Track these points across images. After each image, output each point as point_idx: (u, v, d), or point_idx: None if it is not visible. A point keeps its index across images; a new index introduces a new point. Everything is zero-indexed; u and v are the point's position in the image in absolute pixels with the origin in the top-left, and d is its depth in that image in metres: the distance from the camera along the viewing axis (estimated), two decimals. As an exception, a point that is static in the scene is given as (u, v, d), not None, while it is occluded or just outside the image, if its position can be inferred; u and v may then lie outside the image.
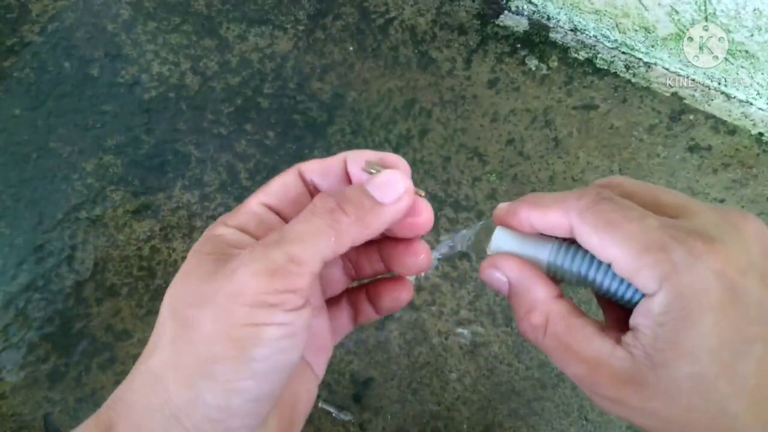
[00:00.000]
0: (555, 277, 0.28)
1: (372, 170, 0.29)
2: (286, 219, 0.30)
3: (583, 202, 0.25)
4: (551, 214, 0.27)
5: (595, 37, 0.99)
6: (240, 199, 0.89)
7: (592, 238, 0.25)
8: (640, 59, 0.97)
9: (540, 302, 0.27)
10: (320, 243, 0.26)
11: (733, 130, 0.90)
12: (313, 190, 0.31)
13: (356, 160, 0.30)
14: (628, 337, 0.24)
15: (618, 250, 0.24)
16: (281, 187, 0.30)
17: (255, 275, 0.25)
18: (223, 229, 0.28)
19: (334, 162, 0.31)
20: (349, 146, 0.92)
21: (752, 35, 0.82)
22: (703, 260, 0.22)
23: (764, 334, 0.22)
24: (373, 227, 0.27)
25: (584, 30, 0.99)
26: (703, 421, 0.23)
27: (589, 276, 0.26)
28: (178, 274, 0.28)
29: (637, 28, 0.92)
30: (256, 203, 0.30)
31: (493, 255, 0.29)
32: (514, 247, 0.28)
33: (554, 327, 0.27)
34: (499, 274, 0.29)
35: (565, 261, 0.27)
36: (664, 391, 0.23)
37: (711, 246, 0.22)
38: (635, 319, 0.24)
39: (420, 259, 0.32)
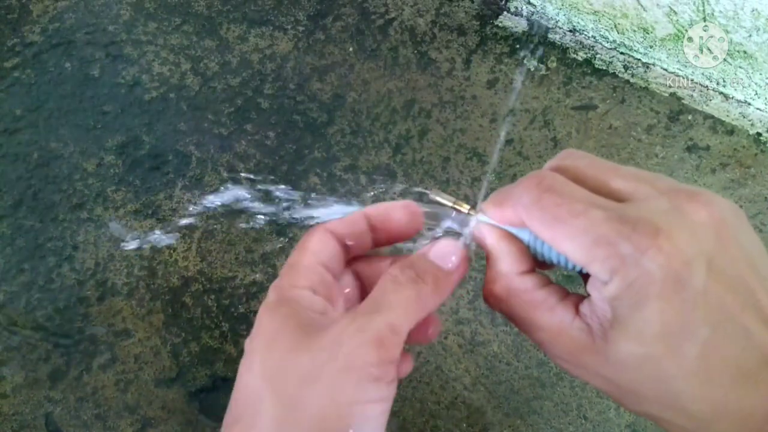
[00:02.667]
0: (536, 257, 0.29)
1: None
2: (332, 274, 0.31)
3: (526, 197, 0.26)
4: (507, 213, 0.28)
5: (594, 37, 0.99)
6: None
7: (543, 234, 0.26)
8: (639, 60, 0.97)
9: (503, 275, 0.28)
10: (411, 311, 0.27)
11: (731, 130, 0.91)
12: (342, 247, 0.32)
13: (376, 212, 0.31)
14: (585, 307, 0.26)
15: (568, 245, 0.25)
16: (323, 245, 0.31)
17: (363, 346, 0.25)
18: (297, 291, 0.28)
19: (357, 217, 0.32)
20: (349, 146, 0.92)
21: (750, 36, 0.83)
22: (648, 255, 0.23)
23: (709, 319, 0.23)
24: (445, 293, 0.29)
25: (583, 30, 0.99)
26: (651, 395, 0.25)
27: (555, 260, 0.28)
28: (261, 337, 0.27)
29: (636, 29, 0.93)
30: (315, 263, 0.30)
31: (480, 223, 0.30)
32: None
33: (516, 300, 0.28)
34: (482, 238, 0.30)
35: (543, 247, 0.28)
36: (616, 364, 0.24)
37: (655, 239, 0.23)
38: (591, 290, 0.25)
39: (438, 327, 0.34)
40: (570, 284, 0.81)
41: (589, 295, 0.26)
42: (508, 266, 0.28)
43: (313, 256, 0.30)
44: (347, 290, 0.32)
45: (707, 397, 0.23)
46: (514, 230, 0.29)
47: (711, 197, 0.24)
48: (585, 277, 0.27)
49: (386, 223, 0.31)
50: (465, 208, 0.31)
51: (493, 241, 0.29)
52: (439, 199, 0.31)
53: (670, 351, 0.23)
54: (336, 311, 0.29)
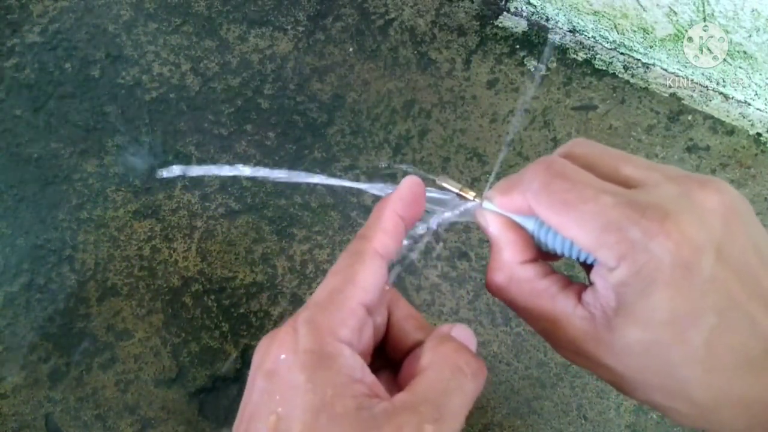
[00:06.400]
0: (540, 246, 0.29)
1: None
2: (370, 313, 0.28)
3: (536, 183, 0.26)
4: (514, 199, 0.27)
5: (594, 38, 0.99)
6: (240, 200, 0.90)
7: (552, 220, 0.26)
8: (639, 60, 0.97)
9: (505, 264, 0.28)
10: (464, 414, 0.25)
11: (731, 131, 0.91)
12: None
13: (408, 210, 0.29)
14: (588, 296, 0.25)
15: (577, 231, 0.25)
16: (375, 278, 0.27)
17: None
18: (336, 346, 0.25)
19: (397, 223, 0.29)
20: (349, 147, 0.92)
21: (750, 36, 0.83)
22: (657, 241, 0.22)
23: (716, 306, 0.23)
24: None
25: (583, 31, 0.99)
26: (655, 383, 0.24)
27: (560, 249, 0.28)
28: (299, 403, 0.23)
29: (636, 29, 0.93)
30: (360, 304, 0.26)
31: (485, 210, 0.30)
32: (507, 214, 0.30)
33: (518, 289, 0.28)
34: (485, 225, 0.30)
35: (547, 235, 0.28)
36: (620, 352, 0.24)
37: (665, 225, 0.22)
38: (595, 278, 0.25)
39: None
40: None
41: (592, 283, 0.25)
42: (510, 255, 0.28)
43: (363, 294, 0.26)
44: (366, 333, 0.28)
45: (711, 384, 0.23)
46: (518, 219, 0.29)
47: (721, 185, 0.24)
48: (587, 267, 0.27)
49: (415, 217, 0.30)
50: (471, 195, 0.30)
51: (496, 229, 0.29)
52: (445, 185, 0.31)
53: (676, 338, 0.23)
54: (377, 386, 0.25)
